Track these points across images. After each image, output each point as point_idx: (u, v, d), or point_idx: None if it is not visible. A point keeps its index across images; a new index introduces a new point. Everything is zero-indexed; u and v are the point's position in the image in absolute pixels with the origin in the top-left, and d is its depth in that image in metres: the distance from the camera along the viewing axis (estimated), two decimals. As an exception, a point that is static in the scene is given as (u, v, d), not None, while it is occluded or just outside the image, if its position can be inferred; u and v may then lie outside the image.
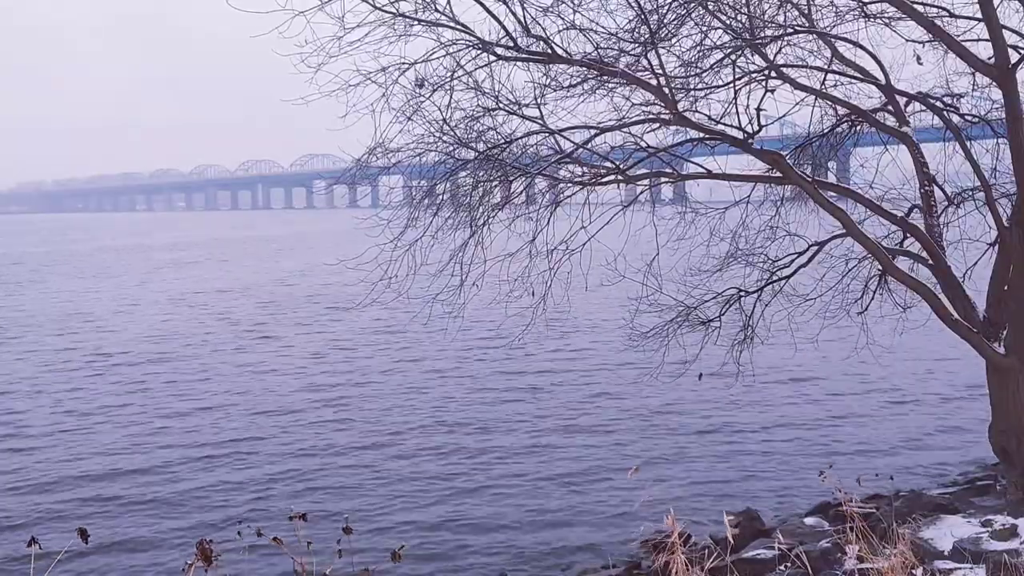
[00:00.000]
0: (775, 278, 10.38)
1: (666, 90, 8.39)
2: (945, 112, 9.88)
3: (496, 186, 9.31)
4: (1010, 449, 9.19)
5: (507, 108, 8.85)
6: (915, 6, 8.72)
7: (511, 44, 8.44)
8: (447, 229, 9.21)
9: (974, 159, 9.57)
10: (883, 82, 9.51)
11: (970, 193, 10.05)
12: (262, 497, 12.96)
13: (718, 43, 8.77)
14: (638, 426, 16.42)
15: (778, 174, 9.27)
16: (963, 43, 8.70)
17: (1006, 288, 9.06)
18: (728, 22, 8.68)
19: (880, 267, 9.85)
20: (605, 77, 8.73)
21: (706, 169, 9.45)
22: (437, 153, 8.99)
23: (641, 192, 10.11)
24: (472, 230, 9.19)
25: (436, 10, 8.28)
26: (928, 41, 9.43)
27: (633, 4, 8.36)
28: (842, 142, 10.71)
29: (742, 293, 10.44)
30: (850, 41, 9.46)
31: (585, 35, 8.59)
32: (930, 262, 9.38)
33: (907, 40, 9.56)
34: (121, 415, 17.82)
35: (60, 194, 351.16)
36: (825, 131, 10.45)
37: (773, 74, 9.12)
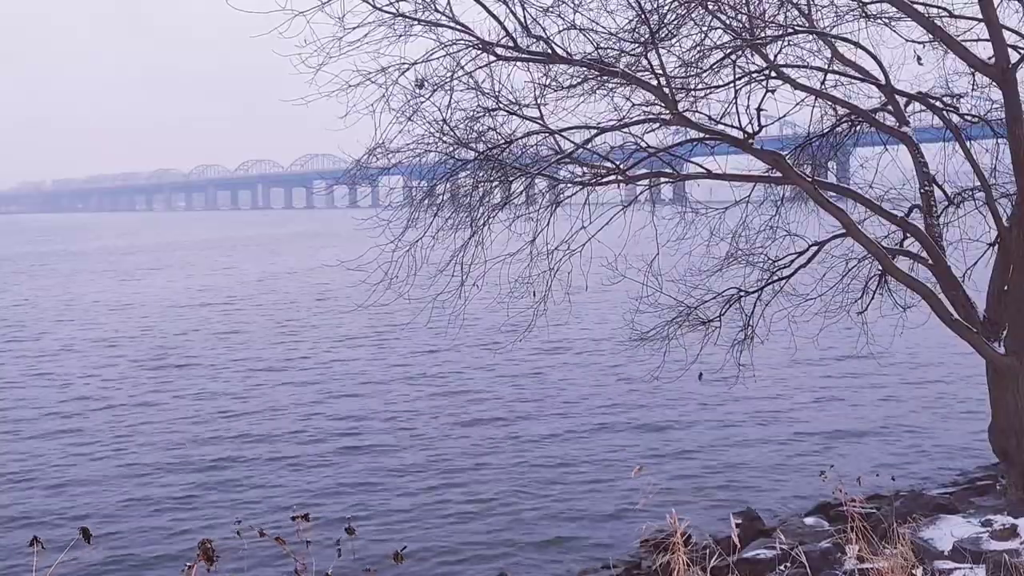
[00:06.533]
0: (775, 278, 10.38)
1: (666, 90, 8.38)
2: (945, 112, 9.87)
3: (496, 186, 9.31)
4: (1010, 449, 9.19)
5: (507, 108, 8.84)
6: (915, 6, 8.72)
7: (511, 44, 8.44)
8: (447, 229, 9.21)
9: (974, 159, 9.56)
10: (883, 82, 9.50)
11: (970, 193, 10.04)
12: (264, 497, 12.96)
13: (718, 43, 8.77)
14: (638, 426, 16.43)
15: (778, 174, 9.28)
16: (963, 43, 8.70)
17: (1006, 288, 9.06)
18: (728, 22, 8.67)
19: (880, 267, 9.85)
20: (605, 77, 8.72)
21: (706, 169, 9.45)
22: (437, 153, 8.99)
23: (641, 192, 10.10)
24: (472, 230, 9.19)
25: (436, 10, 8.28)
26: (928, 41, 9.42)
27: (633, 4, 8.36)
28: (842, 142, 10.70)
29: (742, 293, 10.43)
30: (850, 41, 9.45)
31: (585, 35, 8.59)
32: (930, 262, 9.37)
33: (907, 40, 9.55)
34: (122, 415, 17.83)
35: (60, 194, 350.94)
36: (825, 131, 10.44)
37: (773, 74, 9.11)
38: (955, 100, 10.01)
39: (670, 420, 16.68)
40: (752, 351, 10.54)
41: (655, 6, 8.42)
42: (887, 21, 9.46)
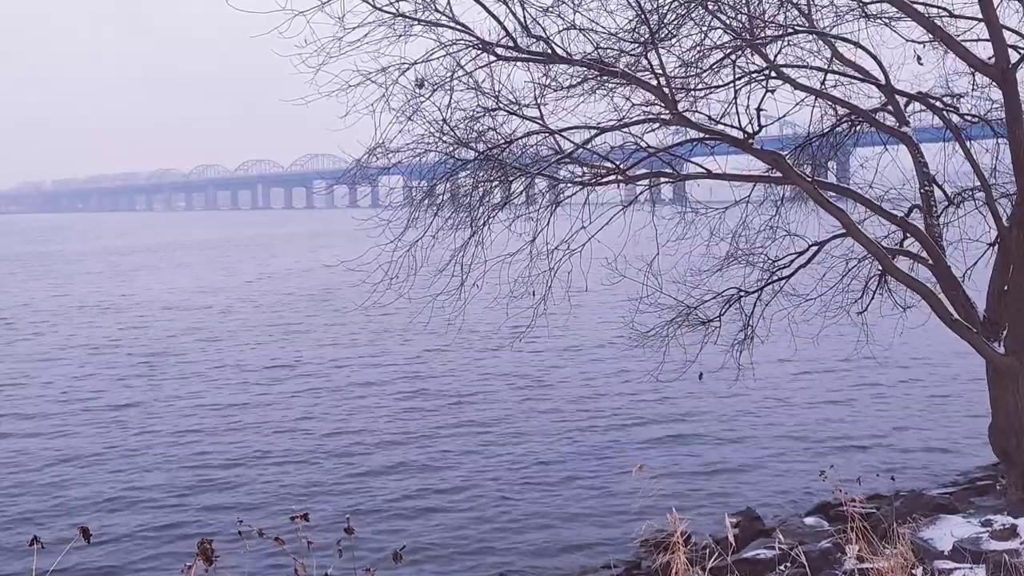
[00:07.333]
0: (775, 278, 10.37)
1: (666, 90, 8.38)
2: (945, 112, 9.87)
3: (496, 186, 9.30)
4: (1010, 449, 9.19)
5: (507, 108, 8.84)
6: (915, 6, 8.72)
7: (511, 44, 8.44)
8: (447, 229, 9.21)
9: (974, 159, 9.56)
10: (883, 82, 9.50)
11: (970, 193, 10.04)
12: (263, 497, 12.96)
13: (718, 43, 8.77)
14: (638, 426, 16.43)
15: (778, 174, 9.28)
16: (963, 43, 8.70)
17: (1006, 288, 9.06)
18: (728, 22, 8.68)
19: (880, 267, 9.85)
20: (605, 77, 8.72)
21: (706, 169, 9.45)
22: (437, 153, 8.99)
23: (641, 192, 10.10)
24: (472, 230, 9.19)
25: (436, 10, 8.28)
26: (928, 41, 9.42)
27: (633, 4, 8.36)
28: (842, 142, 10.69)
29: (742, 293, 10.43)
30: (850, 41, 9.45)
31: (585, 35, 8.58)
32: (930, 262, 9.38)
33: (907, 40, 9.55)
34: (121, 415, 17.82)
35: (60, 194, 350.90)
36: (825, 131, 10.43)
37: (773, 74, 9.11)
38: (955, 100, 10.00)
39: (670, 420, 16.68)
40: (752, 351, 10.54)
41: (655, 6, 8.42)
42: (887, 21, 9.45)
